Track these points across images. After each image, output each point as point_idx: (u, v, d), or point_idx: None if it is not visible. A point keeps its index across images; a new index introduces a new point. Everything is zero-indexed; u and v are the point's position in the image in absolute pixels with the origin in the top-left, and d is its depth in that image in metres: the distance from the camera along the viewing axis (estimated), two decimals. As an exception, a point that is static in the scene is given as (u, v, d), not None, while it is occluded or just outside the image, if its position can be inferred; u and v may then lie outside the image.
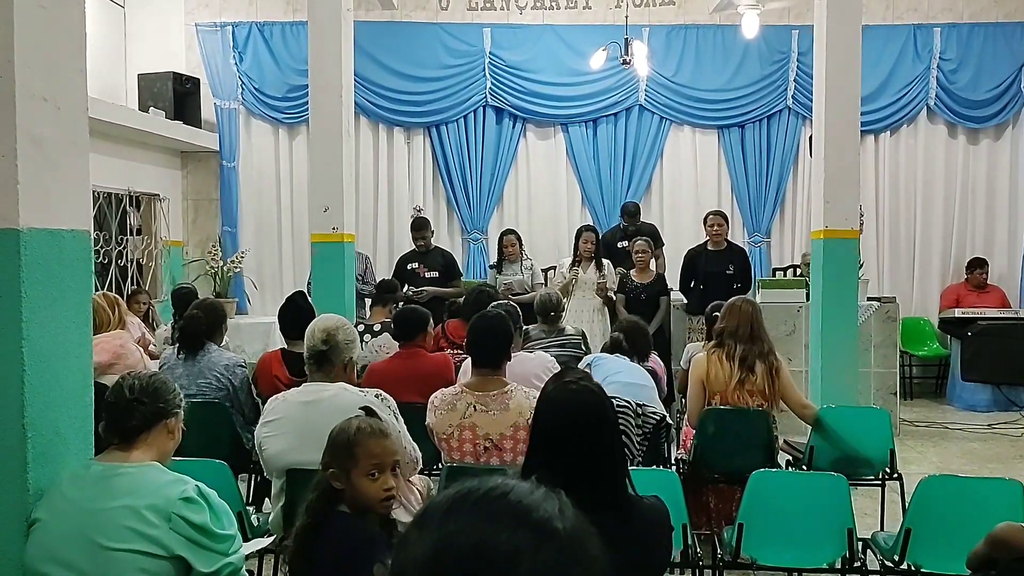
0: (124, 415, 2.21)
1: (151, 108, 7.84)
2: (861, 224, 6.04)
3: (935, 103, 8.71)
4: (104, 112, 6.64)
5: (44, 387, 2.26)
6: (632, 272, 7.03)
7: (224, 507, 2.17)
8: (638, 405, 3.98)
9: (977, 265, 8.40)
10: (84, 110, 2.47)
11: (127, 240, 7.94)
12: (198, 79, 8.59)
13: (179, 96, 8.13)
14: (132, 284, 7.96)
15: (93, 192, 7.26)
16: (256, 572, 3.45)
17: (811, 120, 7.04)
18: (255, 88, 8.92)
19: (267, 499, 4.01)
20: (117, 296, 4.83)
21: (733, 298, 4.36)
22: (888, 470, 4.19)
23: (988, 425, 7.18)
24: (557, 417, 2.04)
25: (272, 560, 3.43)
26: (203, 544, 2.07)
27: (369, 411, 2.37)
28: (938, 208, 8.81)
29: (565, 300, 6.85)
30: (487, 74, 8.84)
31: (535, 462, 2.01)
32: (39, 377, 2.24)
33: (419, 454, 3.22)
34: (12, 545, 2.19)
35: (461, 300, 5.77)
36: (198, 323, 4.39)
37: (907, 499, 3.52)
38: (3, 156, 2.19)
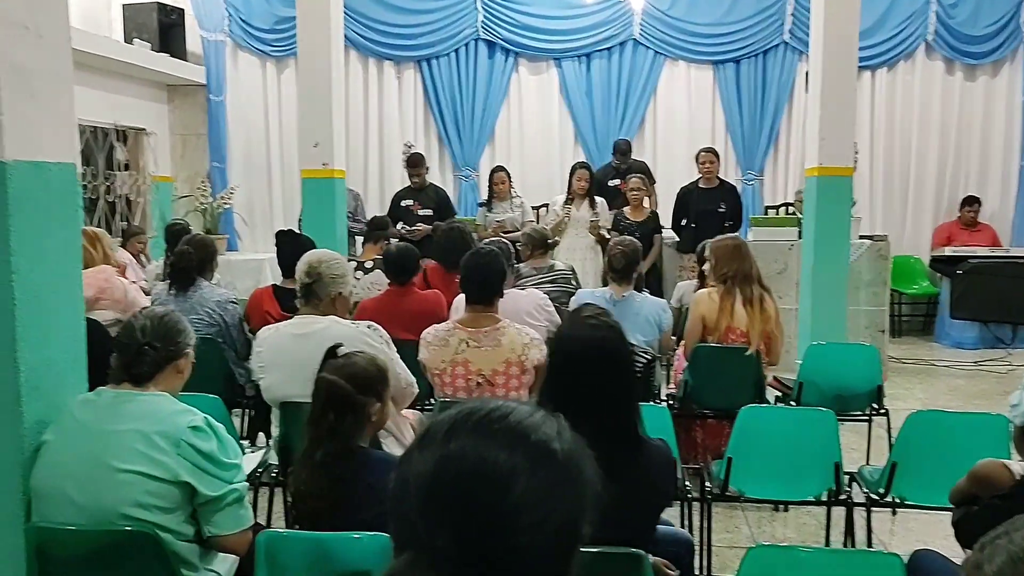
0: (136, 359, 2.21)
1: (136, 40, 7.67)
2: (855, 162, 6.01)
3: (934, 38, 8.60)
4: (88, 43, 6.49)
5: (35, 320, 2.25)
6: (626, 210, 6.99)
7: (230, 439, 2.21)
8: (630, 344, 3.99)
9: (969, 203, 8.40)
10: (67, 38, 2.41)
11: (115, 176, 7.84)
12: (183, 10, 8.38)
13: (164, 27, 7.94)
14: (122, 221, 7.89)
15: (79, 126, 7.15)
16: (252, 502, 3.50)
17: (807, 55, 6.95)
18: (242, 19, 8.73)
19: (260, 433, 4.05)
20: (99, 231, 4.78)
21: (724, 240, 4.31)
22: (875, 406, 4.25)
23: (975, 362, 7.27)
24: (576, 352, 2.03)
25: (268, 492, 3.48)
26: (209, 471, 2.12)
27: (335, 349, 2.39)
28: (933, 145, 8.75)
29: (558, 238, 6.86)
30: (479, 6, 8.67)
31: (550, 396, 2.02)
32: (30, 311, 2.23)
33: (413, 379, 3.24)
34: (10, 476, 2.22)
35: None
36: (189, 259, 4.36)
37: (893, 434, 3.58)
38: (-15, 86, 2.14)
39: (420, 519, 0.84)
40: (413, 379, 3.24)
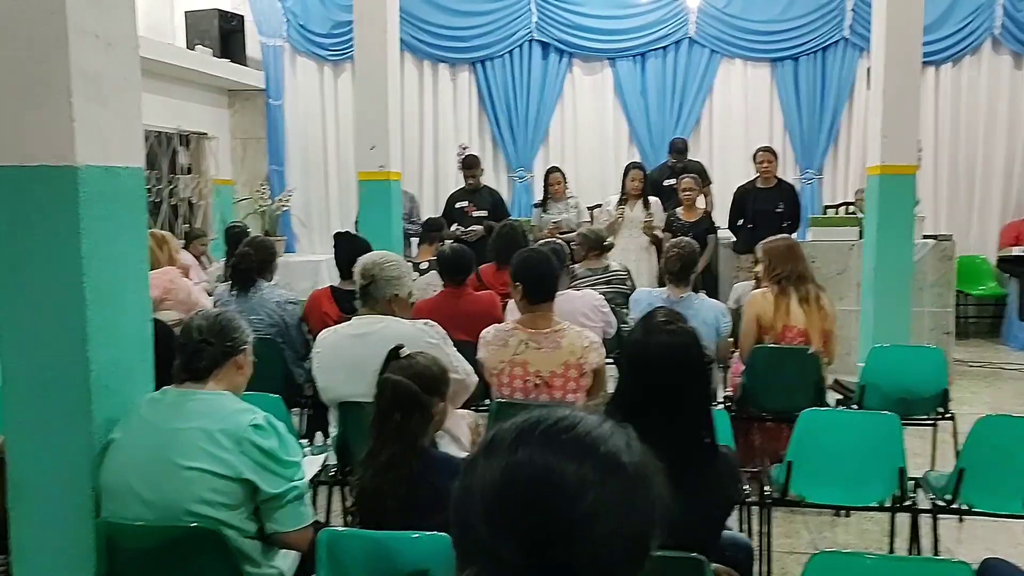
0: (194, 356, 2.27)
1: (198, 46, 7.85)
2: (919, 159, 5.86)
3: (1000, 32, 8.33)
4: (152, 50, 6.66)
5: (105, 322, 2.31)
6: (679, 210, 6.93)
7: (290, 437, 2.26)
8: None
9: (1039, 202, 8.14)
10: (135, 46, 2.47)
11: (178, 179, 8.04)
12: (243, 16, 8.56)
13: (225, 34, 8.12)
14: (184, 223, 8.08)
15: (144, 132, 7.34)
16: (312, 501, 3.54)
17: (868, 51, 6.80)
18: (300, 24, 8.87)
19: (318, 433, 4.10)
20: (166, 234, 4.91)
21: (775, 241, 4.26)
22: (941, 410, 4.13)
23: (1044, 366, 7.03)
24: (654, 359, 2.00)
25: (326, 491, 3.52)
26: (270, 468, 2.16)
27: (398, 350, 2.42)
28: (1000, 142, 8.48)
29: (612, 238, 6.82)
30: (533, 8, 8.67)
31: (624, 401, 2.00)
32: (100, 312, 2.29)
33: (470, 368, 3.27)
34: (81, 472, 2.28)
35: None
36: (249, 260, 4.45)
37: (960, 439, 3.48)
38: (58, 93, 2.21)
39: (486, 529, 0.83)
40: (471, 368, 3.26)
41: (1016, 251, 7.77)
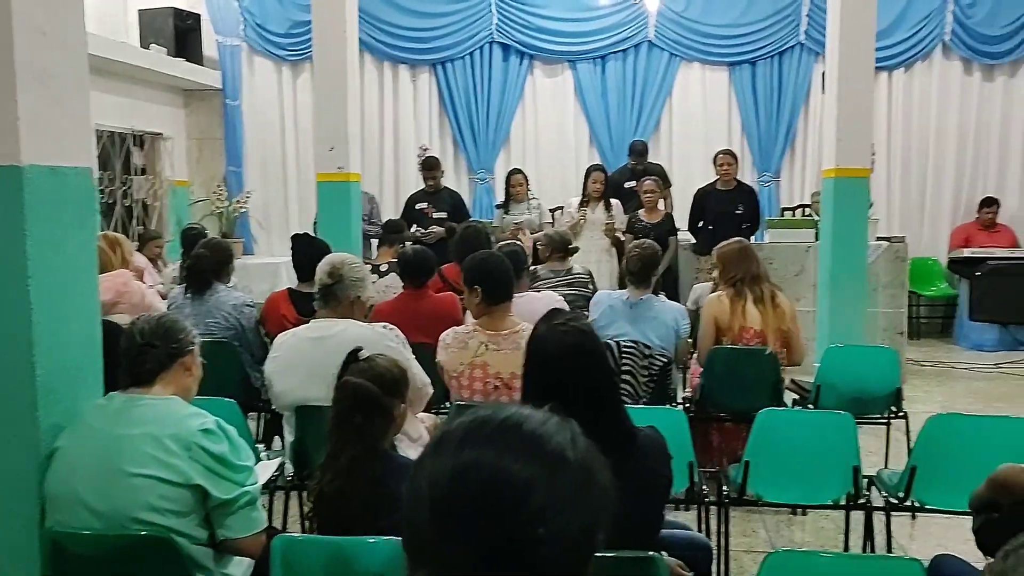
0: (138, 360, 2.22)
1: (152, 45, 7.71)
2: (872, 163, 5.96)
3: (951, 38, 8.53)
4: (104, 48, 6.54)
5: (52, 325, 2.26)
6: (640, 212, 6.98)
7: (241, 441, 2.21)
8: (644, 347, 3.98)
9: (987, 204, 8.31)
10: (83, 43, 2.42)
11: (132, 180, 7.89)
12: (199, 15, 8.43)
13: (180, 32, 7.98)
14: (139, 225, 7.94)
15: (96, 131, 7.20)
16: (267, 506, 3.50)
17: (824, 56, 6.90)
18: (257, 24, 8.77)
19: (276, 437, 4.05)
20: (118, 236, 4.81)
21: (728, 245, 4.30)
22: (894, 409, 4.21)
23: (995, 365, 7.19)
24: (548, 359, 2.05)
25: (283, 497, 3.47)
26: (221, 474, 2.11)
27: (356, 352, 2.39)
28: (951, 146, 8.68)
29: (574, 241, 6.84)
30: (494, 9, 8.68)
31: (533, 397, 2.01)
32: (46, 315, 2.24)
33: (428, 379, 3.24)
34: (26, 481, 2.22)
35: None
36: (205, 262, 4.38)
37: (912, 438, 3.54)
38: (3, 91, 2.15)
39: (434, 530, 0.83)
40: (428, 379, 3.24)
41: (967, 252, 7.94)
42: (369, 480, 2.13)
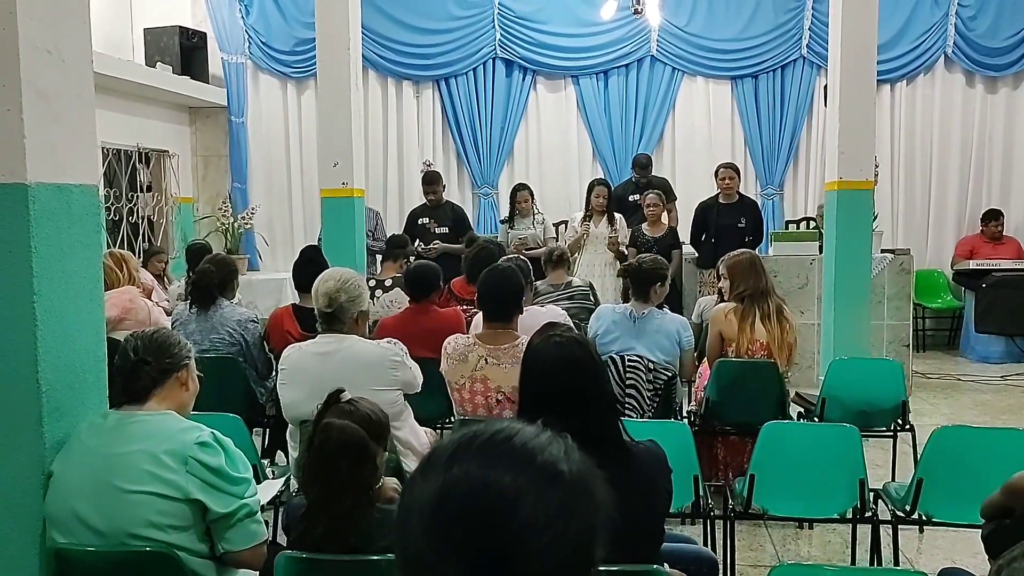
0: (132, 377, 2.22)
1: (158, 63, 7.77)
2: (876, 175, 5.96)
3: (953, 51, 8.54)
4: (110, 67, 6.59)
5: (57, 342, 2.26)
6: (644, 225, 6.99)
7: (239, 453, 2.20)
8: (649, 361, 3.97)
9: (992, 216, 8.29)
10: (89, 62, 2.43)
11: (137, 197, 7.93)
12: (204, 33, 8.50)
13: (186, 50, 8.05)
14: (144, 241, 7.97)
15: (102, 149, 7.24)
16: (272, 523, 3.49)
17: (826, 69, 6.92)
18: (262, 42, 8.83)
19: (280, 452, 4.04)
20: (125, 253, 4.82)
21: (738, 257, 4.30)
22: (900, 421, 4.19)
23: (1001, 377, 7.16)
24: (543, 369, 2.05)
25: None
26: (219, 487, 2.10)
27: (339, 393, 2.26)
28: (954, 159, 8.68)
29: (577, 255, 6.85)
30: (496, 25, 8.72)
31: (526, 417, 2.01)
32: (52, 332, 2.24)
33: (421, 379, 3.28)
34: (30, 497, 2.22)
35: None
36: (210, 277, 4.39)
37: (919, 450, 3.52)
38: (8, 109, 2.17)
39: (426, 547, 0.82)
40: (421, 379, 3.28)
41: (972, 264, 7.92)
42: (365, 531, 2.02)
